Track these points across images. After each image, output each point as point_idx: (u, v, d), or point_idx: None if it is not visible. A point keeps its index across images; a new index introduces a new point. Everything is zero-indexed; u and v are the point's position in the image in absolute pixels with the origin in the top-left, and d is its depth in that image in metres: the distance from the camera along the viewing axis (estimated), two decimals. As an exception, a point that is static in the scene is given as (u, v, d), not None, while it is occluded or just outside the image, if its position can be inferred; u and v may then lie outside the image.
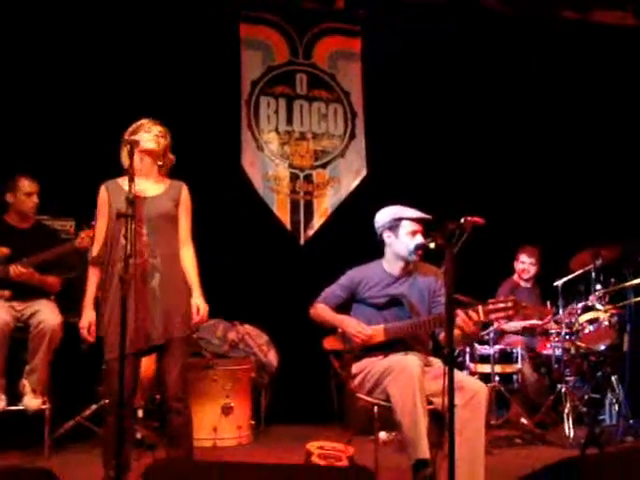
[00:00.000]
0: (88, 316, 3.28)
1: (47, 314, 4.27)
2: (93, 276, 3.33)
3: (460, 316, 3.24)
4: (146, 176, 3.35)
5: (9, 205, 4.50)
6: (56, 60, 5.32)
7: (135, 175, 3.15)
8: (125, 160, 3.32)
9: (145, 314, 3.14)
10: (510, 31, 6.38)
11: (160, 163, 3.40)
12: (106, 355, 3.23)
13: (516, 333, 5.45)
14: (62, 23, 5.34)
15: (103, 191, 3.37)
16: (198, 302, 3.33)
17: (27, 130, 5.18)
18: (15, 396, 4.27)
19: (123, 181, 3.32)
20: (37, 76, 5.27)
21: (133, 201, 3.00)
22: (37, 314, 4.28)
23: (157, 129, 3.38)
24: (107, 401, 3.33)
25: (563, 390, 4.93)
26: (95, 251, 3.34)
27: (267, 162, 6.00)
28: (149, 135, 3.34)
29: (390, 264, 3.66)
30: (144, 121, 3.38)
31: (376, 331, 3.49)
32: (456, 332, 3.26)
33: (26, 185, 4.47)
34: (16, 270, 4.24)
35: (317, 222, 6.05)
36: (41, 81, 5.27)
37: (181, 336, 3.27)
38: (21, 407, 4.24)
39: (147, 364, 3.94)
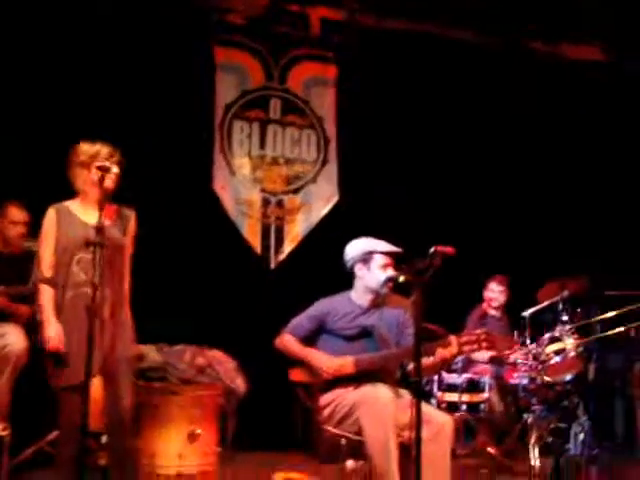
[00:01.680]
0: (54, 327, 3.21)
1: (13, 338, 4.14)
2: (47, 293, 3.25)
3: (439, 353, 3.31)
4: (94, 203, 3.29)
5: None
6: (33, 79, 5.26)
7: (84, 201, 3.22)
8: (80, 182, 3.33)
9: (95, 343, 3.09)
10: (482, 61, 6.48)
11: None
12: (56, 383, 3.21)
13: (483, 362, 5.47)
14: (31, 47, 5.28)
15: (52, 213, 3.32)
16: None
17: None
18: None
19: (72, 205, 3.35)
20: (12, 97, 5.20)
21: (102, 229, 2.97)
22: (2, 338, 4.14)
23: (115, 168, 3.30)
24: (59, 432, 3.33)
25: (529, 420, 4.95)
26: (46, 272, 3.27)
27: (239, 186, 5.99)
28: (109, 173, 3.26)
29: (359, 296, 3.67)
30: (102, 150, 3.33)
31: (345, 363, 3.48)
32: (430, 362, 3.33)
33: (13, 213, 4.42)
34: None
35: (287, 247, 6.05)
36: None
37: (126, 364, 3.34)
38: (-21, 433, 4.14)
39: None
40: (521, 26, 6.33)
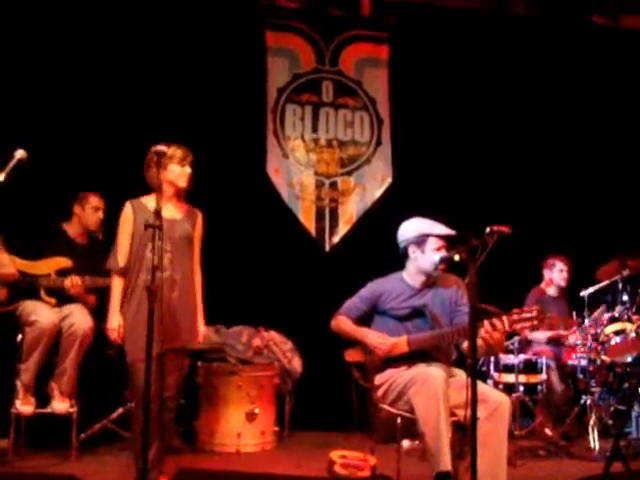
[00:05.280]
0: (117, 319, 3.59)
1: (79, 317, 4.32)
2: (118, 285, 3.64)
3: (484, 327, 3.24)
4: (168, 200, 3.61)
5: (73, 216, 4.61)
6: (88, 71, 5.40)
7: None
8: (156, 181, 3.45)
9: (165, 322, 3.39)
10: (538, 37, 6.34)
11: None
12: (131, 357, 3.52)
13: (541, 343, 5.41)
14: (91, 39, 5.41)
15: (128, 207, 3.65)
16: (201, 327, 3.73)
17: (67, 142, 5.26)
18: (44, 399, 4.33)
19: (147, 200, 3.59)
20: (71, 88, 5.34)
21: (159, 212, 3.07)
22: (69, 317, 4.33)
23: (188, 169, 3.63)
24: (134, 402, 3.56)
25: (588, 402, 4.88)
26: (120, 262, 3.63)
27: (292, 169, 6.02)
28: (181, 171, 3.61)
29: (412, 277, 3.67)
30: (177, 152, 3.60)
31: (399, 342, 3.51)
32: (480, 343, 3.26)
33: (95, 200, 4.60)
34: (72, 283, 4.33)
35: (342, 229, 6.05)
36: (74, 92, 5.35)
37: (185, 345, 3.68)
38: (49, 410, 4.30)
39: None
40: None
